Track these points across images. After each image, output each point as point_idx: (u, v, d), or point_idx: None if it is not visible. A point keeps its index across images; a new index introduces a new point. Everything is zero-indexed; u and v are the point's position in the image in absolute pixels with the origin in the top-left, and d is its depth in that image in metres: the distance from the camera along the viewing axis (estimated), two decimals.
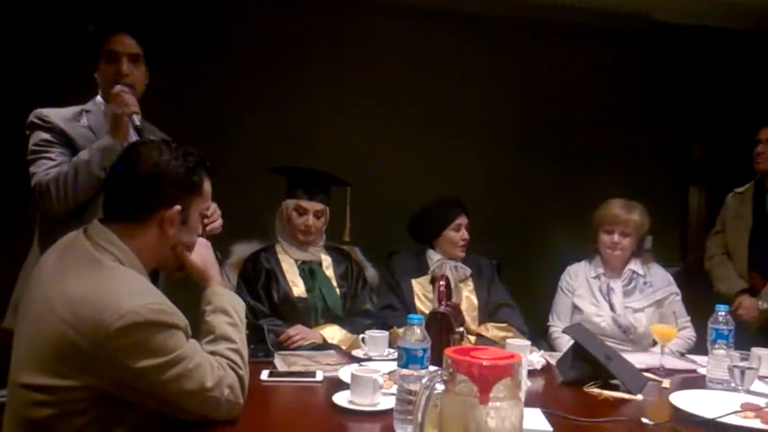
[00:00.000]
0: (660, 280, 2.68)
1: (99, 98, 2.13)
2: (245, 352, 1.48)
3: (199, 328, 1.48)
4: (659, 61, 4.07)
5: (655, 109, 4.07)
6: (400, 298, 2.66)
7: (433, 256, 2.73)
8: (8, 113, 2.16)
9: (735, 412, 1.56)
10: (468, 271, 2.72)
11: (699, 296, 2.85)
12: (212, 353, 1.41)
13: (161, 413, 1.32)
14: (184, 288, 1.61)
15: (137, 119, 1.96)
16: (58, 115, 2.02)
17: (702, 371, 2.03)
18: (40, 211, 1.99)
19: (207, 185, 1.48)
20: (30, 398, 1.26)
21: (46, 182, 1.91)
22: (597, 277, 2.69)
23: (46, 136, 1.98)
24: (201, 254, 1.54)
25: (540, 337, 2.70)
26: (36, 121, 2.00)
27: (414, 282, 2.69)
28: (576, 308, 2.69)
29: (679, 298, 2.66)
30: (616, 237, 2.64)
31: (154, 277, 1.87)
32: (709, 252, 3.05)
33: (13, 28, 3.24)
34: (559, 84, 3.93)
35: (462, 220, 2.73)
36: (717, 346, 1.94)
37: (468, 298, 2.68)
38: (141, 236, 1.38)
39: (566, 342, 2.52)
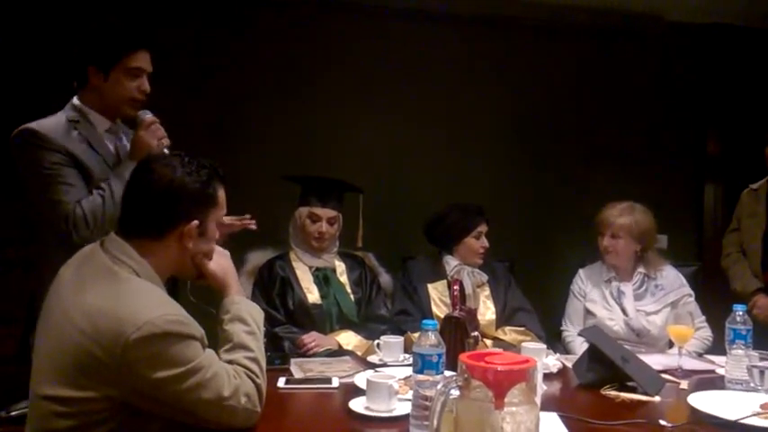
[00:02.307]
0: (671, 282, 2.65)
1: (77, 102, 2.02)
2: (263, 360, 1.49)
3: (216, 337, 1.49)
4: (672, 60, 4.04)
5: (669, 107, 4.04)
6: (416, 303, 2.66)
7: (451, 262, 2.73)
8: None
9: (757, 414, 1.55)
10: (486, 277, 2.72)
11: (716, 295, 2.82)
12: (230, 362, 1.42)
13: (180, 422, 1.34)
14: (202, 297, 1.63)
15: (166, 150, 1.95)
16: (51, 131, 1.91)
17: (721, 371, 2.02)
18: (60, 235, 1.89)
19: (221, 194, 1.48)
20: (50, 409, 1.28)
21: (82, 214, 1.87)
22: (608, 281, 2.68)
23: (53, 157, 1.89)
24: (220, 263, 1.55)
25: (555, 340, 2.69)
26: (32, 140, 1.89)
27: (430, 286, 2.69)
28: (588, 312, 2.67)
29: (692, 299, 2.64)
30: (606, 240, 2.63)
31: (173, 286, 1.89)
32: (725, 250, 3.03)
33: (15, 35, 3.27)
34: (572, 84, 3.92)
35: (483, 228, 2.73)
36: (735, 346, 1.92)
37: (485, 303, 2.67)
38: (160, 250, 1.40)
39: (579, 345, 2.52)
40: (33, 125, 1.92)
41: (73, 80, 2.03)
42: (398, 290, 2.74)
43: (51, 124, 1.95)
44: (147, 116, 2.01)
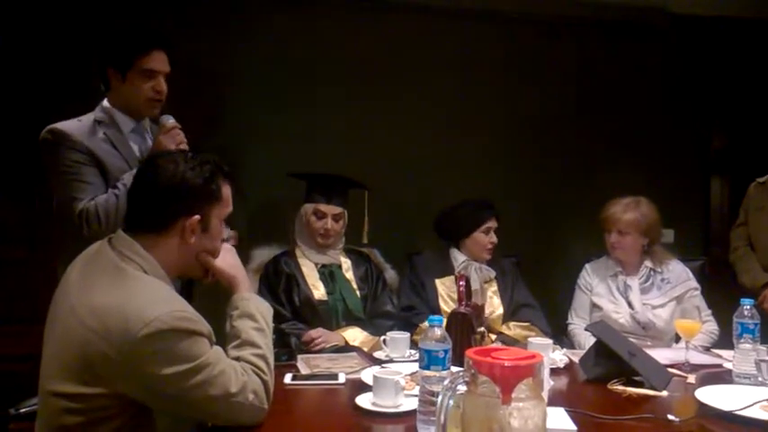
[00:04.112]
0: (677, 276, 2.65)
1: (106, 104, 2.09)
2: (271, 357, 1.49)
3: (225, 334, 1.50)
4: (677, 53, 4.02)
5: (674, 100, 4.02)
6: (424, 298, 2.66)
7: (459, 257, 2.73)
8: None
9: (757, 402, 1.55)
10: (493, 273, 2.72)
11: (723, 289, 2.81)
12: (237, 358, 1.42)
13: (187, 418, 1.34)
14: (212, 295, 1.63)
15: None
16: (76, 131, 1.98)
17: (728, 365, 2.01)
18: (72, 231, 1.95)
19: (226, 191, 1.49)
20: (60, 405, 1.29)
21: (95, 209, 1.91)
22: (615, 275, 2.68)
23: (74, 156, 1.95)
24: (227, 259, 1.55)
25: (561, 335, 2.69)
26: (56, 140, 1.96)
27: (438, 282, 2.69)
28: (594, 305, 2.68)
29: (698, 293, 2.64)
30: (614, 236, 2.63)
31: (188, 286, 1.90)
32: (733, 244, 3.02)
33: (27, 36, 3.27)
34: (577, 79, 3.90)
35: (492, 223, 2.72)
36: (743, 340, 1.92)
37: (492, 299, 2.67)
38: (163, 245, 1.40)
39: (585, 338, 2.52)
40: (59, 125, 1.99)
41: (99, 83, 2.09)
42: (405, 285, 2.75)
43: (76, 124, 2.02)
44: (170, 121, 2.05)
